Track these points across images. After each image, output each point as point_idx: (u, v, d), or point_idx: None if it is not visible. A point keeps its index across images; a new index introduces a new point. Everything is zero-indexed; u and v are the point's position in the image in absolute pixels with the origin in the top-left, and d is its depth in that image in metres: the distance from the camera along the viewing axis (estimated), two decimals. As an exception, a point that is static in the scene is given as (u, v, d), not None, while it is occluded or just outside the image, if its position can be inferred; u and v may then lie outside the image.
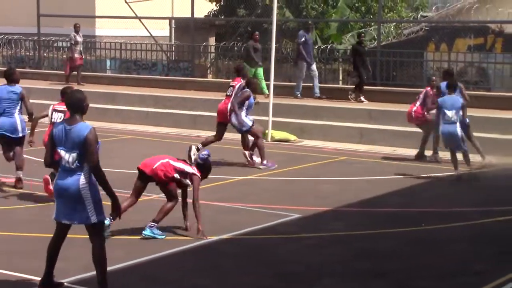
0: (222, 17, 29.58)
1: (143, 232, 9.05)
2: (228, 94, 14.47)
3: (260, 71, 19.61)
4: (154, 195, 11.27)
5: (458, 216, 10.51)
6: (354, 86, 19.19)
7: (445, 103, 12.85)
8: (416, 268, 8.26)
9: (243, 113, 13.73)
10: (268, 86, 17.94)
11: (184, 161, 9.50)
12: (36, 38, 25.55)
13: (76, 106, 6.88)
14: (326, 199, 11.40)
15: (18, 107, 11.89)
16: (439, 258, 8.66)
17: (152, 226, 9.08)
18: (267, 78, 18.37)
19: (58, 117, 10.98)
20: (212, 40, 25.91)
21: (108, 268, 7.18)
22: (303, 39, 19.34)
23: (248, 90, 13.83)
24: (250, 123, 13.79)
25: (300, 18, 26.10)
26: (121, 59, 24.33)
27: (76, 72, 22.16)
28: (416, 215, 10.67)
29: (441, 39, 21.64)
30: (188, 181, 9.17)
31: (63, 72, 22.71)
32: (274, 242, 9.15)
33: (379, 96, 18.90)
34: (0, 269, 7.77)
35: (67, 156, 6.80)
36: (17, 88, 11.91)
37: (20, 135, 11.90)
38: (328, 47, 22.42)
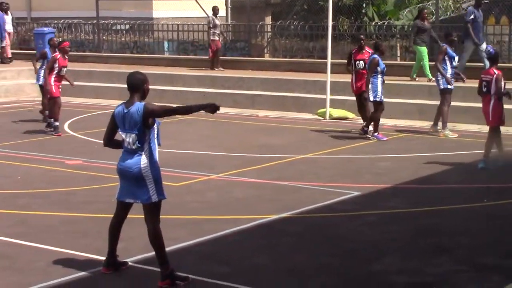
0: (278, -5, 29.46)
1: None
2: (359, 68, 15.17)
3: (424, 51, 18.16)
4: (213, 175, 11.39)
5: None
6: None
7: None
8: (480, 244, 8.17)
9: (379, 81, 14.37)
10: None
11: None
12: (95, 21, 25.86)
13: (136, 86, 6.95)
14: (385, 176, 11.35)
15: None
16: (502, 234, 8.55)
17: None
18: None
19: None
20: (268, 19, 25.88)
21: (168, 248, 7.29)
22: (471, 16, 17.57)
23: (375, 56, 14.45)
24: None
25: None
26: (179, 41, 24.46)
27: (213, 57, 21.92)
28: (477, 191, 10.55)
29: (501, 11, 21.17)
30: None
31: (209, 56, 22.12)
32: (334, 220, 9.15)
33: (439, 72, 18.61)
34: (65, 249, 7.94)
35: (128, 137, 6.91)
36: None
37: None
38: (386, 23, 22.17)
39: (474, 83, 16.92)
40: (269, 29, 23.98)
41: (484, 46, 17.14)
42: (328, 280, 7.14)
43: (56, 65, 14.79)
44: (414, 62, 18.81)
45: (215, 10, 22.08)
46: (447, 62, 14.60)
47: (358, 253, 7.93)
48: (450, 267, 7.42)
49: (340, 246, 8.16)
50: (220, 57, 22.10)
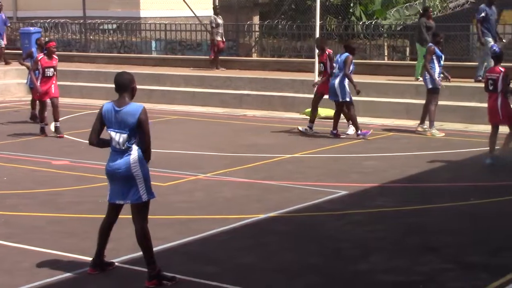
0: (266, -5, 29.48)
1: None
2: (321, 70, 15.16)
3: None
4: (201, 175, 11.39)
5: (506, 190, 10.39)
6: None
7: None
8: (467, 243, 8.20)
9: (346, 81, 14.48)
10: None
11: None
12: (82, 21, 25.79)
13: (124, 86, 6.91)
14: (373, 175, 11.37)
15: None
16: (489, 232, 8.58)
17: None
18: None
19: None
20: (256, 19, 25.90)
21: (156, 248, 7.28)
22: (482, 14, 16.92)
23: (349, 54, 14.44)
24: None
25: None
26: (166, 40, 24.44)
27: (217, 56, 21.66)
28: (464, 189, 10.58)
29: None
30: None
31: (210, 56, 21.83)
32: (321, 220, 9.16)
33: (426, 71, 18.66)
34: (51, 250, 7.91)
35: (118, 137, 6.86)
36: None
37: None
38: (373, 22, 22.23)
39: (460, 83, 17.06)
40: (257, 29, 24.00)
41: (490, 44, 16.55)
42: (315, 279, 7.14)
43: (39, 67, 14.60)
44: (400, 62, 18.92)
45: (216, 9, 21.87)
46: (435, 61, 14.65)
47: (345, 252, 7.94)
48: (437, 266, 7.44)
49: (327, 245, 8.16)
50: (208, 57, 22.03)
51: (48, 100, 14.88)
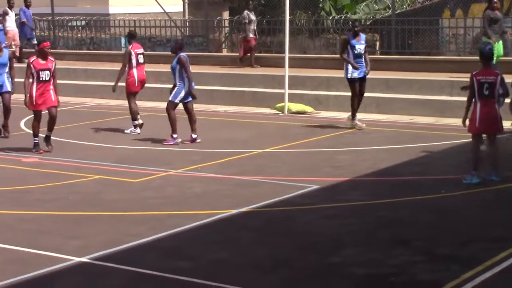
0: (235, -10, 29.44)
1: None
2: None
3: (500, 45, 16.36)
4: (172, 171, 11.36)
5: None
6: None
7: None
8: (437, 235, 8.26)
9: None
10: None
11: None
12: (50, 18, 25.56)
13: None
14: (344, 170, 11.41)
15: None
16: (459, 224, 8.65)
17: None
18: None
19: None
20: (226, 15, 25.83)
21: (129, 244, 7.26)
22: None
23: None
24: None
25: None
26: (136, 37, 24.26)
27: (250, 54, 20.80)
28: (434, 183, 10.66)
29: (456, 5, 21.41)
30: None
31: (240, 53, 21.15)
32: (293, 214, 9.18)
33: (395, 65, 18.79)
34: (21, 247, 7.83)
35: None
36: None
37: None
38: (343, 17, 22.29)
39: (430, 77, 17.16)
40: (226, 24, 23.95)
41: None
42: (288, 273, 7.15)
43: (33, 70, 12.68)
44: (370, 56, 18.89)
45: (248, 4, 21.16)
46: (350, 52, 14.65)
47: (317, 246, 7.96)
48: (408, 258, 7.49)
49: (300, 239, 8.18)
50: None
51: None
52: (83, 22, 25.88)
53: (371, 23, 22.35)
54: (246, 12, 20.98)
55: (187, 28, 25.29)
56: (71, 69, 21.44)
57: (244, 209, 9.29)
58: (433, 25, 20.61)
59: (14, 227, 8.63)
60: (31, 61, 12.68)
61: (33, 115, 13.03)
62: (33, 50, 21.83)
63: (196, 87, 19.32)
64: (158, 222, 8.80)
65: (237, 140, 13.96)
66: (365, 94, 17.28)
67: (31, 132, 13.07)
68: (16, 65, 21.66)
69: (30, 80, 12.60)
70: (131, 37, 15.44)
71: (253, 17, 20.99)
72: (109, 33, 25.29)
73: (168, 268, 7.20)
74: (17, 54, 23.11)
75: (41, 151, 12.76)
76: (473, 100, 10.42)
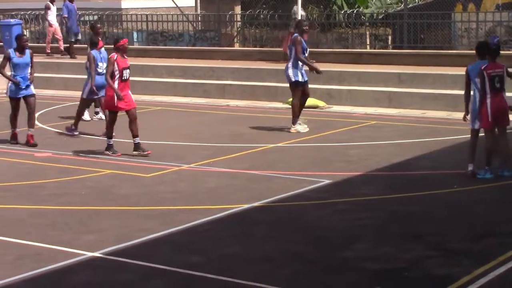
0: (247, -15, 29.40)
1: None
2: None
3: None
4: (184, 166, 11.37)
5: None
6: None
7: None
8: (450, 230, 8.23)
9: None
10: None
11: None
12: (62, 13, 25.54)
13: None
14: (356, 164, 11.38)
15: None
16: (472, 219, 8.62)
17: None
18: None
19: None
20: (238, 9, 25.78)
21: (141, 239, 7.27)
22: None
23: None
24: None
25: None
26: (148, 31, 24.32)
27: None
28: (447, 177, 10.62)
29: (468, -1, 21.32)
30: None
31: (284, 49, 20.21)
32: (305, 209, 9.17)
33: (407, 59, 18.73)
34: (34, 242, 7.87)
35: None
36: None
37: None
38: (355, 11, 22.22)
39: (443, 71, 17.09)
40: (238, 19, 23.92)
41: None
42: (301, 268, 7.15)
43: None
44: (382, 50, 18.89)
45: None
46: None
47: (330, 240, 7.95)
48: (420, 253, 7.47)
49: (312, 234, 8.17)
50: (192, 47, 21.83)
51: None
52: (96, 17, 25.89)
53: (383, 17, 22.26)
54: (296, 6, 20.82)
55: (199, 23, 25.28)
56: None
57: (256, 204, 9.28)
58: (445, 19, 20.50)
59: (26, 222, 8.66)
60: (114, 58, 11.90)
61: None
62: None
63: (208, 81, 19.48)
64: (171, 216, 8.81)
65: (250, 134, 13.95)
66: (378, 88, 17.13)
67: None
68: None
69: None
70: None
71: (303, 12, 20.73)
72: (122, 28, 25.30)
73: (181, 263, 7.21)
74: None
75: (119, 153, 12.03)
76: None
